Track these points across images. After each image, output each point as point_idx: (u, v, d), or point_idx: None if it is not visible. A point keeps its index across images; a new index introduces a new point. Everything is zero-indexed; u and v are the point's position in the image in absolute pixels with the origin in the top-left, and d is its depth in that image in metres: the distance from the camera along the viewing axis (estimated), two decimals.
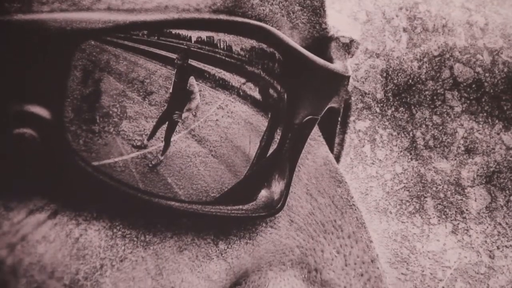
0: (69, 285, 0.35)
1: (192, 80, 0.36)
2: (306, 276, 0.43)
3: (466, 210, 2.63)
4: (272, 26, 0.38)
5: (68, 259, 0.35)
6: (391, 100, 1.99)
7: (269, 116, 0.40)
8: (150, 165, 0.36)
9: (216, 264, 0.41)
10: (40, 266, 0.35)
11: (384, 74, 2.05)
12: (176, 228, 0.38)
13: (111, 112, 0.34)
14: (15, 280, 0.35)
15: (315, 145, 0.45)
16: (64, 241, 0.35)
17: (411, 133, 2.03)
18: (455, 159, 2.49)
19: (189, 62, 0.36)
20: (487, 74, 1.99)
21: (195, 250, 0.40)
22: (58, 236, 0.35)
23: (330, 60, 0.46)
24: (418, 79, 1.98)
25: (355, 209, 0.47)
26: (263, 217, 0.41)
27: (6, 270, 0.35)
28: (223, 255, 0.41)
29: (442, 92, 1.97)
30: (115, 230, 0.36)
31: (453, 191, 2.58)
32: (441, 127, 2.01)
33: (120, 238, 0.36)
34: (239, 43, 0.37)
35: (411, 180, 2.42)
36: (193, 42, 0.36)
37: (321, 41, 0.46)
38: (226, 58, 0.37)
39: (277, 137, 0.40)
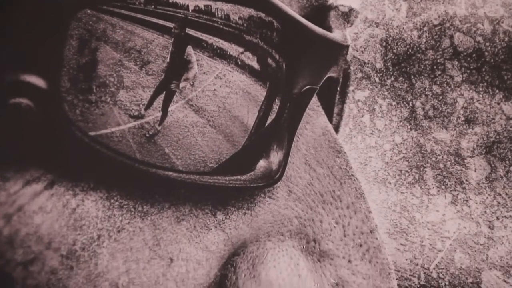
0: (66, 256, 0.35)
1: (189, 49, 0.36)
2: (304, 246, 0.43)
3: (466, 180, 2.64)
4: None
5: (65, 230, 0.35)
6: (390, 70, 1.98)
7: (268, 86, 0.39)
8: (148, 135, 0.36)
9: (214, 235, 0.41)
10: (37, 236, 0.35)
11: (384, 44, 2.04)
12: (173, 198, 0.38)
13: (108, 81, 0.34)
14: (12, 250, 0.35)
15: (314, 115, 0.44)
16: (61, 211, 0.35)
17: (410, 103, 2.03)
18: (455, 129, 2.50)
19: (186, 31, 0.35)
20: (487, 44, 1.98)
21: (193, 220, 0.40)
22: (55, 207, 0.35)
23: (329, 29, 0.46)
24: (418, 48, 1.98)
25: (354, 180, 0.47)
26: (261, 188, 0.40)
27: (3, 240, 0.35)
28: (221, 226, 0.41)
29: (442, 62, 1.96)
30: (112, 201, 0.36)
31: (452, 161, 2.59)
32: (441, 97, 2.01)
33: (117, 208, 0.36)
34: (237, 12, 0.37)
35: (411, 150, 2.41)
36: (190, 11, 0.36)
37: (320, 10, 0.45)
38: (224, 27, 0.37)
39: (276, 107, 0.39)
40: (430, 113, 2.06)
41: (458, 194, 2.44)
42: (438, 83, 2.04)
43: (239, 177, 0.40)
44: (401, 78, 2.08)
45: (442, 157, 2.32)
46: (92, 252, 0.36)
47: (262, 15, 0.38)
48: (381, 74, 2.08)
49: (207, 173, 0.39)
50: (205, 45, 0.37)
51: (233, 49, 0.38)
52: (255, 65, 0.38)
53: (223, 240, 0.41)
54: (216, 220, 0.41)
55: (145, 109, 0.35)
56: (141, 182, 0.37)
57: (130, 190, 0.37)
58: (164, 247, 0.39)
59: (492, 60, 2.11)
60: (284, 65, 0.39)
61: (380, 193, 2.25)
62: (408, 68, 2.08)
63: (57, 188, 0.34)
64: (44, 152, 0.34)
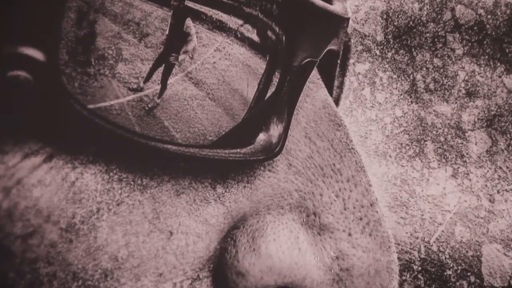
0: (65, 229, 0.35)
1: (188, 22, 0.36)
2: (304, 220, 0.43)
3: (467, 153, 2.64)
4: None
5: (64, 203, 0.35)
6: (391, 43, 1.98)
7: (267, 58, 0.39)
8: (147, 108, 0.36)
9: (214, 208, 0.41)
10: (36, 210, 0.35)
11: (384, 16, 2.03)
12: (173, 171, 0.38)
13: (106, 54, 0.34)
14: (11, 223, 0.35)
15: (314, 88, 0.44)
16: (60, 184, 0.35)
17: (411, 76, 2.02)
18: (456, 102, 2.49)
19: (185, 3, 0.35)
20: (489, 16, 1.97)
21: (193, 194, 0.40)
22: (54, 180, 0.35)
23: (329, 1, 0.45)
24: (419, 21, 1.97)
25: (354, 153, 0.46)
26: (261, 161, 0.40)
27: (2, 214, 0.35)
28: (221, 199, 0.41)
29: (443, 35, 1.95)
30: (111, 174, 0.36)
31: (453, 134, 2.59)
32: (442, 70, 2.00)
33: (116, 181, 0.36)
34: None
35: (411, 123, 2.41)
36: None
37: None
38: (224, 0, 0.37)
39: (276, 80, 0.39)
40: (431, 86, 2.06)
41: (458, 168, 2.44)
42: (439, 56, 2.03)
43: (238, 150, 0.40)
44: (402, 51, 2.08)
45: (443, 130, 2.31)
46: (92, 225, 0.36)
47: None
48: (381, 47, 2.07)
49: (206, 146, 0.39)
50: (204, 17, 0.37)
51: (232, 22, 0.37)
52: (255, 37, 0.38)
53: (222, 214, 0.41)
54: (216, 194, 0.41)
55: (144, 82, 0.35)
56: (141, 156, 0.37)
57: (130, 163, 0.36)
58: (163, 221, 0.39)
59: (493, 33, 2.10)
60: (284, 38, 0.39)
61: (381, 166, 2.25)
62: (409, 41, 2.07)
63: (56, 161, 0.34)
64: (42, 125, 0.34)
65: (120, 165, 0.35)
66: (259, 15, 0.38)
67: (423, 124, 2.36)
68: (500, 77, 2.08)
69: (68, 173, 0.35)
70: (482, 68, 2.06)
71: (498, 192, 2.53)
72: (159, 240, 0.39)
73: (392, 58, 2.06)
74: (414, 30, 2.07)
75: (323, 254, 0.44)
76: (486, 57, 2.06)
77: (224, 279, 0.42)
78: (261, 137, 0.40)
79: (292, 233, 0.42)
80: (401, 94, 2.06)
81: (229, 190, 0.41)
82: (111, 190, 0.36)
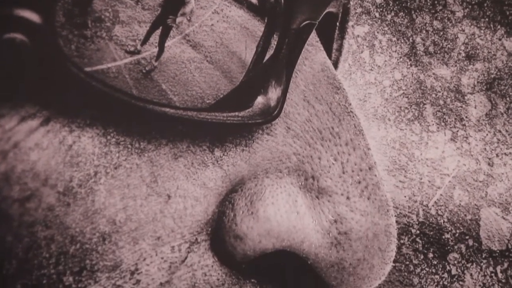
0: (63, 193, 0.35)
1: None
2: (303, 183, 0.43)
3: (466, 117, 2.64)
4: None
5: (62, 167, 0.35)
6: (391, 5, 1.97)
7: (266, 21, 0.39)
8: (144, 71, 0.35)
9: (212, 171, 0.41)
10: (33, 173, 0.35)
11: None
12: (171, 135, 0.38)
13: (103, 16, 0.33)
14: (8, 187, 0.35)
15: (313, 51, 0.44)
16: (57, 148, 0.35)
17: (411, 38, 2.01)
18: (456, 65, 2.48)
19: None
20: None
21: (191, 157, 0.40)
22: (51, 143, 0.35)
23: None
24: None
25: (353, 116, 0.46)
26: (259, 124, 0.40)
27: None
28: (219, 162, 0.41)
29: None
30: (109, 137, 0.36)
31: (452, 98, 2.58)
32: (441, 33, 1.99)
33: (114, 145, 0.35)
34: None
35: (410, 86, 2.40)
36: None
37: None
38: None
39: (274, 43, 0.39)
40: (431, 49, 2.05)
41: (458, 131, 2.44)
42: (439, 18, 2.02)
43: (237, 113, 0.40)
44: (402, 13, 2.06)
45: (442, 93, 2.31)
46: (89, 189, 0.36)
47: None
48: (381, 9, 2.06)
49: (204, 109, 0.38)
50: None
51: None
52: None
53: (221, 177, 0.41)
54: (214, 157, 0.41)
55: (141, 45, 0.35)
56: (138, 119, 0.36)
57: (127, 126, 0.36)
58: (161, 184, 0.39)
59: None
60: (282, 0, 0.38)
61: (379, 130, 2.24)
62: (408, 3, 2.06)
63: (53, 124, 0.34)
64: (39, 88, 0.33)
65: (118, 128, 0.35)
66: None
67: (422, 87, 2.35)
68: (500, 40, 2.07)
69: (65, 137, 0.35)
70: (482, 31, 2.05)
71: (497, 155, 2.53)
72: (157, 204, 0.39)
73: (392, 21, 2.05)
74: None
75: (321, 217, 0.44)
76: (486, 19, 2.05)
77: (222, 243, 0.42)
78: (259, 100, 0.40)
79: (291, 196, 0.42)
80: (400, 57, 2.05)
81: (227, 153, 0.41)
82: (109, 153, 0.36)
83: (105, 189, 0.35)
